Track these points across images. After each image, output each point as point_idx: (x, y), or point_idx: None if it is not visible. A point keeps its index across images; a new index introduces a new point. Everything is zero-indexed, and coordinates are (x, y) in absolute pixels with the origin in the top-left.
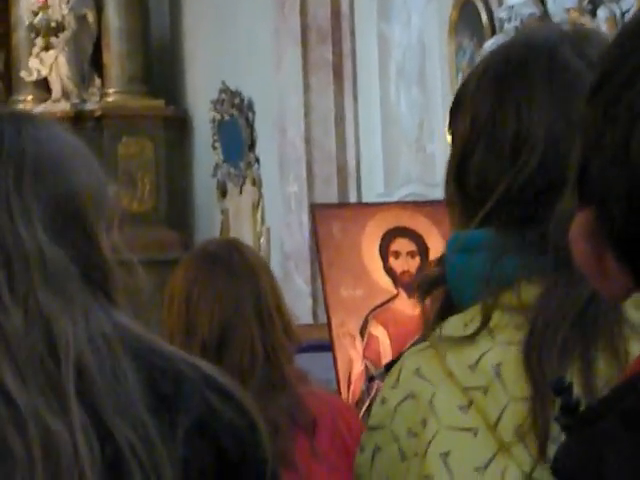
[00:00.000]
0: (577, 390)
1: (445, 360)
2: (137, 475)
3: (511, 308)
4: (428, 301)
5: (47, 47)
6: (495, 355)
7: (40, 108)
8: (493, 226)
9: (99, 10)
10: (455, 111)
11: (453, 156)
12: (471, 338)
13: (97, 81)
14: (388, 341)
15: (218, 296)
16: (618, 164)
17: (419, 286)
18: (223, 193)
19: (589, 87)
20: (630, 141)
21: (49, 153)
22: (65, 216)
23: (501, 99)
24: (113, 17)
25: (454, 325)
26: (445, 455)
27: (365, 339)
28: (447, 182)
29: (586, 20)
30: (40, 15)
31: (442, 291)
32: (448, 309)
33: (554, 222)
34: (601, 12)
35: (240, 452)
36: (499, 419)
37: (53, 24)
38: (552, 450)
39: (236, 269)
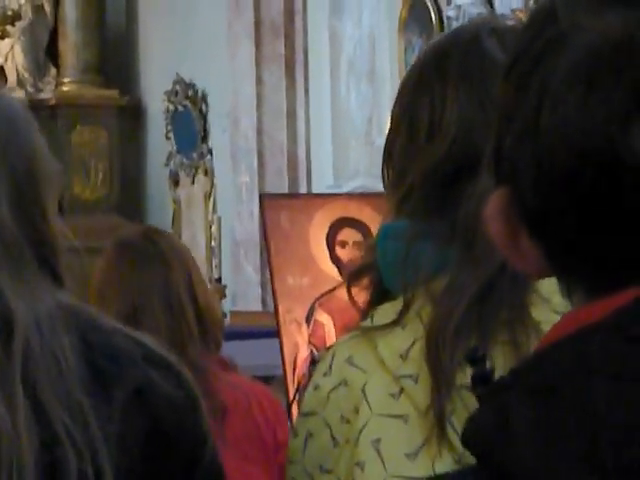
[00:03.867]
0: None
1: (377, 348)
2: (72, 458)
3: (428, 296)
4: (358, 289)
5: (3, 36)
6: (422, 343)
7: None
8: (408, 214)
9: (56, 0)
10: (394, 104)
11: (385, 143)
12: (397, 324)
13: (52, 70)
14: (333, 328)
15: (126, 284)
16: (529, 138)
17: (348, 274)
18: (176, 182)
19: (503, 68)
20: (540, 114)
21: (12, 129)
22: (25, 195)
23: (419, 89)
24: (69, 7)
25: (385, 312)
26: (377, 442)
27: (311, 326)
28: (382, 168)
29: None
30: None
31: (374, 278)
32: (383, 295)
33: (462, 210)
34: None
35: (176, 421)
36: (429, 406)
37: (9, 13)
38: None
39: (147, 257)
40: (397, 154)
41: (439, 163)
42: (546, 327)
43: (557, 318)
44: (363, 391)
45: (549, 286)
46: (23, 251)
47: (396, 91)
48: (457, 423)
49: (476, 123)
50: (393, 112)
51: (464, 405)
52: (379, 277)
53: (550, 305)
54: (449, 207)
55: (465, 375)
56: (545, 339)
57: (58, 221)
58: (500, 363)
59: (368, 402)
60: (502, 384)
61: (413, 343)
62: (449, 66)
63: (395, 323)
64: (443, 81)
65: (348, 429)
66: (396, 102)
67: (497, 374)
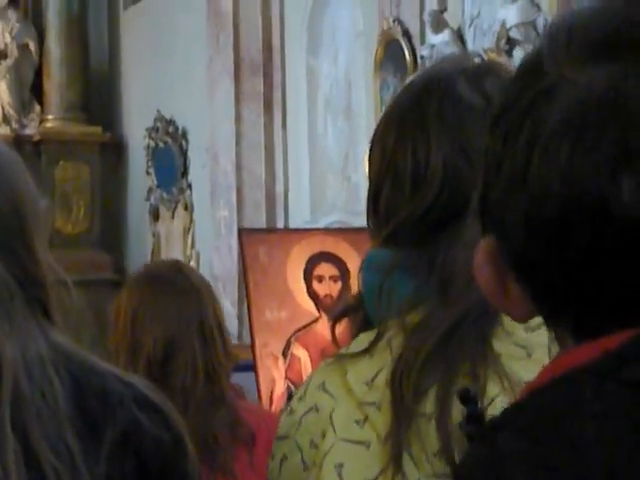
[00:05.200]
0: (434, 411)
1: (346, 375)
2: None
3: (400, 328)
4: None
5: None
6: (388, 372)
7: None
8: (394, 247)
9: (41, 40)
10: (371, 147)
11: (369, 190)
12: (368, 353)
13: (37, 107)
14: (310, 362)
15: (162, 315)
16: (516, 190)
17: (333, 315)
18: (155, 217)
19: (490, 118)
20: (528, 168)
21: None
22: (11, 232)
23: (401, 136)
24: (54, 47)
25: (361, 341)
26: (339, 466)
27: (287, 360)
28: (367, 212)
29: (503, 60)
30: None
31: (361, 312)
32: (367, 323)
33: (441, 251)
34: (517, 53)
35: (162, 463)
36: (388, 435)
37: None
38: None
39: (180, 289)
40: (383, 203)
41: (426, 211)
42: (506, 360)
43: (518, 351)
44: (330, 417)
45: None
46: (12, 292)
47: (371, 128)
48: (415, 452)
49: (460, 170)
50: (373, 158)
51: (423, 435)
52: (365, 309)
53: (512, 338)
54: (430, 245)
55: (424, 406)
56: (535, 380)
57: (48, 257)
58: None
59: (334, 427)
60: (494, 424)
61: (379, 372)
62: (427, 113)
63: (365, 352)
64: (423, 130)
65: (315, 453)
66: (375, 148)
67: (454, 407)
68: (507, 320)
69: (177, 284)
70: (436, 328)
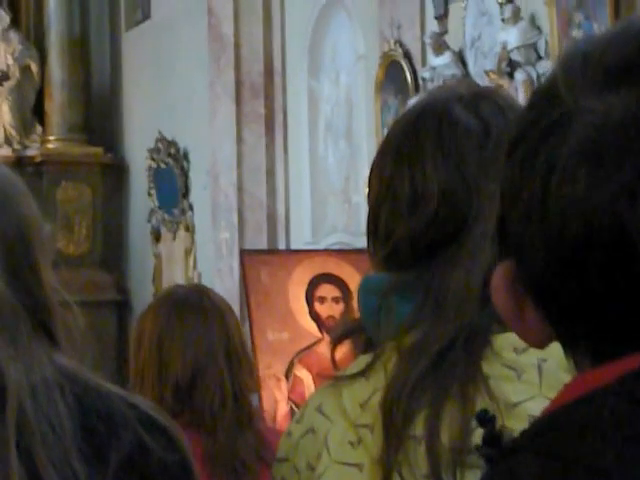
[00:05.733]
0: (423, 434)
1: (341, 397)
2: None
3: (396, 350)
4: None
5: None
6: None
7: None
8: (391, 270)
9: (43, 61)
10: (370, 173)
11: (368, 214)
12: (364, 375)
13: (39, 128)
14: (312, 383)
15: (189, 339)
16: (535, 217)
17: (333, 338)
18: (157, 238)
19: (506, 145)
20: (546, 195)
21: (3, 193)
22: (16, 255)
23: (398, 161)
24: (56, 68)
25: (358, 363)
26: None
27: (290, 381)
28: (367, 235)
29: (504, 82)
30: None
31: (363, 335)
32: (369, 345)
33: (437, 272)
34: (518, 74)
35: None
36: (380, 457)
37: None
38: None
39: (206, 312)
40: (381, 226)
41: (423, 231)
42: (495, 382)
43: (508, 372)
44: (326, 439)
45: (501, 341)
46: (18, 318)
47: (372, 150)
48: (405, 475)
49: (456, 191)
50: (372, 183)
51: (412, 458)
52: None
53: (501, 360)
54: (426, 267)
55: (414, 428)
56: (554, 402)
57: (52, 279)
58: (446, 417)
59: (328, 449)
60: (512, 446)
61: (373, 393)
62: (424, 138)
63: (361, 374)
64: (420, 154)
65: (311, 475)
66: (374, 173)
67: (443, 429)
68: (496, 342)
69: (202, 307)
70: (427, 350)
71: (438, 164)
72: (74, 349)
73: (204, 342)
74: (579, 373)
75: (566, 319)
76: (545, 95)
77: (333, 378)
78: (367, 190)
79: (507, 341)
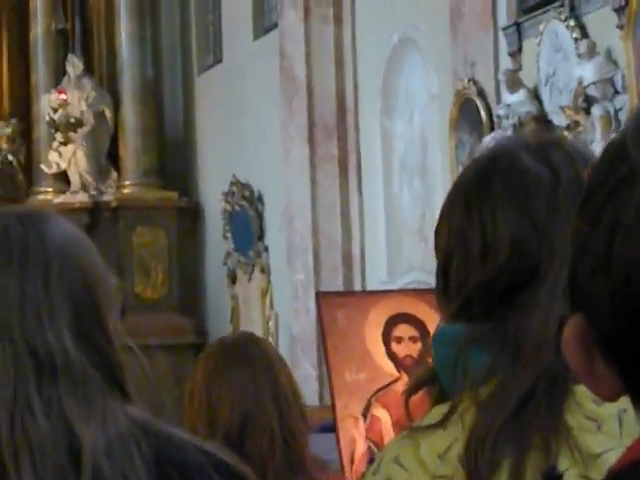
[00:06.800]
0: None
1: (419, 449)
2: None
3: (473, 401)
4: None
5: (66, 142)
6: (461, 445)
7: (59, 199)
8: (465, 321)
9: (116, 107)
10: (439, 222)
11: (438, 264)
12: (441, 426)
13: (113, 174)
14: (390, 422)
15: (236, 386)
16: (602, 270)
17: (406, 389)
18: (233, 280)
19: (579, 200)
20: (611, 249)
21: (68, 253)
22: (85, 314)
23: (468, 211)
24: (129, 114)
25: (433, 414)
26: None
27: (368, 420)
28: (436, 287)
29: (581, 118)
30: (60, 111)
31: (437, 385)
32: (443, 396)
33: (512, 321)
34: (595, 110)
35: None
36: None
37: (72, 120)
38: None
39: (254, 360)
40: (452, 276)
41: (494, 279)
42: (578, 433)
43: (589, 424)
44: None
45: (582, 392)
46: (89, 376)
47: (448, 188)
48: None
49: (527, 239)
50: (441, 233)
51: None
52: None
53: (582, 410)
54: (501, 317)
55: (499, 477)
56: (617, 462)
57: (119, 330)
58: (529, 467)
59: None
60: None
61: (452, 445)
62: (494, 189)
63: (438, 425)
64: (491, 204)
65: None
66: (442, 223)
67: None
68: (578, 392)
69: (248, 355)
70: (508, 400)
71: (508, 212)
72: (147, 397)
73: (251, 390)
74: None
75: (634, 373)
76: (615, 150)
77: (409, 429)
78: (435, 240)
79: (587, 391)
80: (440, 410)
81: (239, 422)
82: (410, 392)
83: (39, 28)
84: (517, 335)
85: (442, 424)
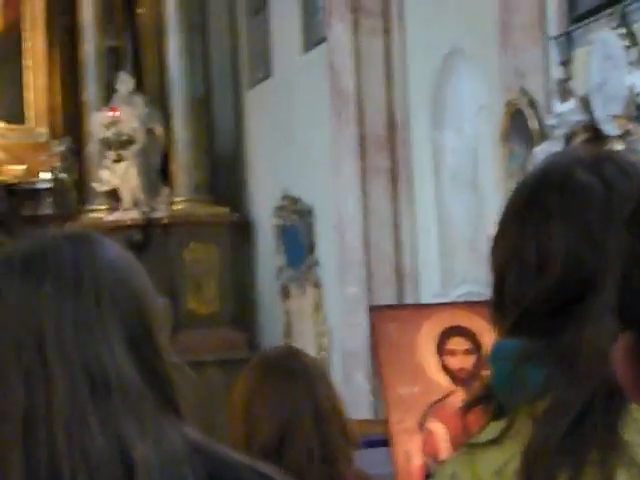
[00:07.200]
0: None
1: (476, 465)
2: None
3: (529, 416)
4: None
5: (118, 159)
6: (517, 461)
7: (112, 217)
8: (521, 336)
9: (167, 123)
10: (494, 239)
11: (493, 282)
12: (498, 442)
13: (165, 190)
14: (446, 436)
15: (276, 401)
16: None
17: (463, 406)
18: (286, 295)
19: (627, 215)
20: None
21: (119, 275)
22: (136, 334)
23: (523, 227)
24: (180, 130)
25: (490, 431)
26: None
27: (423, 434)
28: (491, 299)
29: (633, 127)
30: (111, 129)
31: (493, 401)
32: (500, 412)
33: (568, 334)
34: None
35: None
36: None
37: (124, 138)
38: None
39: (294, 374)
40: (508, 292)
41: (550, 293)
42: (636, 449)
43: None
44: None
45: (638, 407)
46: (143, 395)
47: (500, 199)
48: None
49: (582, 252)
50: (497, 250)
51: None
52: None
53: (638, 426)
54: (557, 331)
55: None
56: None
57: (169, 350)
58: None
59: None
60: None
61: (509, 461)
62: (549, 204)
63: (495, 441)
64: (546, 219)
65: None
66: (498, 240)
67: None
68: (634, 407)
69: (289, 369)
70: (564, 415)
71: (564, 227)
72: (200, 416)
73: (289, 405)
74: None
75: None
76: None
77: (466, 445)
78: (491, 257)
79: None
80: (497, 426)
81: (277, 437)
82: (468, 408)
83: (90, 46)
84: (572, 349)
85: (499, 440)
